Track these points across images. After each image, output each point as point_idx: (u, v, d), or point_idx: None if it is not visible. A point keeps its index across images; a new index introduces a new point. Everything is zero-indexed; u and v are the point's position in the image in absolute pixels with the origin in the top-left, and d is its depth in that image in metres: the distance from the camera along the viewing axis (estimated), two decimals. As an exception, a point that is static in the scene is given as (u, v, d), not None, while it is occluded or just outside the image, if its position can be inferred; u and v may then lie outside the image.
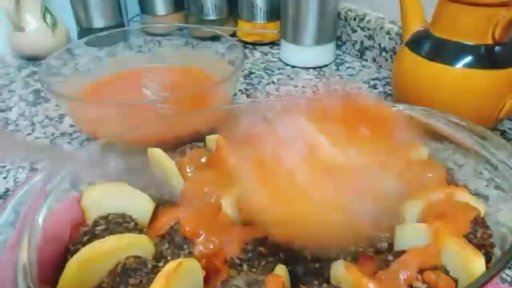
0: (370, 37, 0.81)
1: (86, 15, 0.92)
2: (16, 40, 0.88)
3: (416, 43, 0.58)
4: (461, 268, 0.33)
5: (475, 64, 0.53)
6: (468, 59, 0.53)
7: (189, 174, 0.46)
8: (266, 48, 0.92)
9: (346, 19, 0.84)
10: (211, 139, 0.51)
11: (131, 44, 0.79)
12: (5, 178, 0.56)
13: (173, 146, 0.51)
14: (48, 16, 0.88)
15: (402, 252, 0.36)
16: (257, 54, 0.90)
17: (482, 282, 0.29)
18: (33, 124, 0.68)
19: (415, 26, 0.60)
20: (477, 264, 0.33)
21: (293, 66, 0.83)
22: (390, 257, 0.36)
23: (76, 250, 0.36)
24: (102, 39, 0.76)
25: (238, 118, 0.57)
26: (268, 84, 0.78)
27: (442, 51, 0.55)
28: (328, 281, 0.36)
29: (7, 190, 0.54)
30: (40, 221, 0.38)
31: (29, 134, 0.65)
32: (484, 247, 0.36)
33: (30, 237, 0.35)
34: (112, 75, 0.72)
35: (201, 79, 0.70)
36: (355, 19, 0.83)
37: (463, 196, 0.40)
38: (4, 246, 0.35)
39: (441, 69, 0.54)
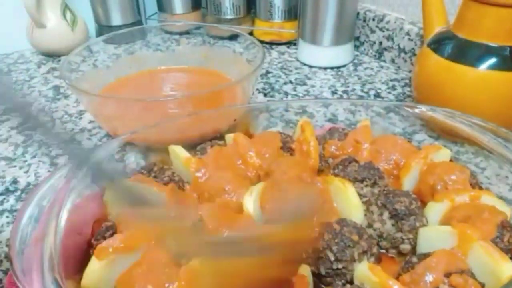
0: (389, 38, 0.80)
1: (105, 12, 0.93)
2: (36, 36, 0.89)
3: (439, 44, 0.58)
4: (488, 273, 0.33)
5: (499, 66, 0.52)
6: (492, 60, 0.52)
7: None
8: (283, 48, 0.92)
9: (364, 19, 0.84)
10: (231, 137, 0.51)
11: (149, 42, 0.80)
12: (26, 172, 0.57)
13: (194, 145, 0.52)
14: (68, 13, 0.89)
15: (427, 254, 0.36)
16: (274, 53, 0.90)
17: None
18: (52, 120, 0.69)
19: (437, 27, 0.60)
20: (505, 269, 0.32)
21: (310, 66, 0.83)
22: (414, 259, 0.35)
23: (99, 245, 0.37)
24: (120, 36, 0.76)
25: (256, 117, 0.57)
26: (285, 83, 0.77)
27: (465, 52, 0.54)
28: (351, 282, 0.36)
29: (29, 184, 0.55)
30: (64, 215, 0.38)
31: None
32: (511, 251, 0.35)
33: (55, 231, 0.36)
34: (131, 76, 0.72)
35: (219, 80, 0.70)
36: (374, 20, 0.82)
37: (489, 200, 0.39)
38: (29, 239, 0.35)
39: (464, 70, 0.53)
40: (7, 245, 0.46)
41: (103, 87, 0.68)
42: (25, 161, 0.59)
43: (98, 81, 0.68)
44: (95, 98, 0.58)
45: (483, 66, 0.53)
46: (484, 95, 0.53)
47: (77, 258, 0.38)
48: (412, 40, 0.76)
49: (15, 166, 0.58)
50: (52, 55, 0.91)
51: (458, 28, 0.56)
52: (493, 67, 0.52)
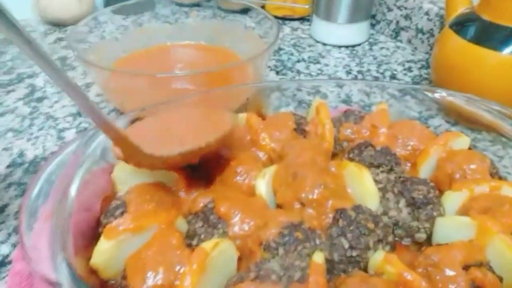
0: (407, 17, 0.77)
1: (113, -19, 0.90)
2: (43, 5, 0.86)
3: (461, 25, 0.55)
4: (507, 267, 0.32)
5: (524, 51, 0.50)
6: (517, 45, 0.50)
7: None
8: (296, 24, 0.90)
9: (382, -4, 0.81)
10: (243, 117, 0.49)
11: (157, 14, 0.77)
12: (33, 144, 0.56)
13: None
14: (75, -19, 0.86)
15: (443, 245, 0.35)
16: (287, 29, 0.87)
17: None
18: (60, 92, 0.67)
19: (460, 7, 0.57)
20: (526, 263, 0.31)
21: (324, 44, 0.81)
22: (431, 250, 0.34)
23: (108, 223, 0.36)
24: (128, 8, 0.74)
25: (268, 96, 0.56)
26: (298, 61, 0.75)
27: (489, 35, 0.52)
28: (365, 270, 0.35)
29: (36, 157, 0.54)
30: (73, 192, 0.37)
31: (56, 102, 0.65)
32: (531, 245, 0.34)
33: (64, 207, 0.35)
34: (140, 52, 0.70)
35: (230, 59, 0.68)
36: (392, -3, 0.79)
37: (509, 191, 0.38)
38: (39, 215, 0.35)
39: (487, 54, 0.51)
40: (15, 218, 0.46)
41: (112, 61, 0.66)
42: (32, 133, 0.58)
43: (106, 53, 0.66)
44: (105, 72, 0.56)
45: (507, 50, 0.51)
46: (506, 80, 0.51)
47: (85, 235, 0.38)
48: (431, 20, 0.73)
49: (22, 138, 0.57)
50: (58, 25, 0.89)
51: (483, 10, 0.53)
52: (517, 52, 0.50)
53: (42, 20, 0.91)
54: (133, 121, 0.48)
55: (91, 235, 0.38)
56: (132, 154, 0.37)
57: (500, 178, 0.42)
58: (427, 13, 0.74)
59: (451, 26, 0.57)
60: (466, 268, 0.32)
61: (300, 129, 0.47)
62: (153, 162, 0.38)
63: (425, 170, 0.44)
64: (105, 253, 0.33)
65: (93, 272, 0.34)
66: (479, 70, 0.52)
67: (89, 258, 0.34)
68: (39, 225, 0.34)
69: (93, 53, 0.63)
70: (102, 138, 0.44)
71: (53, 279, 0.30)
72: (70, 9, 0.87)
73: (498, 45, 0.51)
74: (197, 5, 0.82)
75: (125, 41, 0.71)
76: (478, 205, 0.37)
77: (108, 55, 0.67)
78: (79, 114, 0.62)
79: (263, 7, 0.93)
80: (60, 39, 0.84)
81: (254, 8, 0.69)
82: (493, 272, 0.32)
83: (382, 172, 0.42)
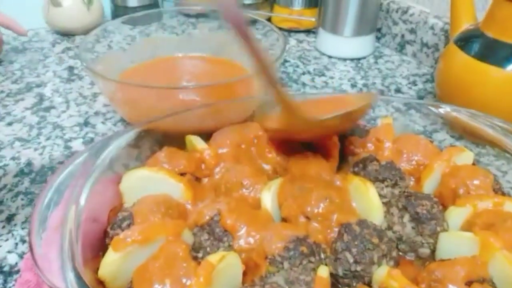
0: (412, 31, 0.78)
1: (121, -8, 0.91)
2: (52, 15, 0.88)
3: (466, 41, 0.56)
4: (509, 283, 0.32)
5: (528, 68, 0.51)
6: (521, 62, 0.51)
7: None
8: (302, 36, 0.90)
9: (388, 10, 0.82)
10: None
11: (164, 25, 0.78)
12: (41, 154, 0.57)
13: (210, 135, 0.51)
14: (84, -8, 0.88)
15: (447, 261, 0.35)
16: (292, 41, 0.88)
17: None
18: (67, 101, 0.68)
19: (465, 23, 0.58)
20: (529, 280, 0.32)
21: (329, 56, 0.81)
22: (434, 266, 0.35)
23: (115, 235, 0.37)
24: (136, 18, 0.75)
25: (274, 109, 0.56)
26: (303, 73, 0.76)
27: (493, 52, 0.52)
28: (369, 284, 0.35)
29: (43, 166, 0.55)
30: (83, 201, 0.38)
31: (63, 112, 0.66)
32: (534, 262, 0.34)
33: (74, 218, 0.36)
34: (147, 63, 0.71)
35: (236, 71, 0.69)
36: (397, 11, 0.80)
37: (512, 207, 0.39)
38: (48, 225, 0.35)
39: (491, 70, 0.52)
40: (22, 228, 0.46)
41: (119, 72, 0.67)
42: (39, 142, 0.59)
43: (113, 64, 0.67)
44: (112, 83, 0.57)
45: (511, 67, 0.51)
46: (510, 96, 0.52)
47: (93, 246, 0.38)
48: (436, 34, 0.74)
49: (29, 148, 0.58)
50: (67, 34, 0.90)
51: (487, 27, 0.54)
52: (521, 69, 0.51)
53: (51, 30, 0.92)
54: (141, 134, 0.48)
55: (98, 246, 0.39)
56: (290, 115, 0.41)
57: (503, 193, 0.43)
58: (432, 28, 0.74)
59: (455, 42, 0.57)
60: (468, 284, 0.32)
61: (306, 143, 0.47)
62: (308, 126, 0.42)
63: (429, 185, 0.44)
64: (112, 264, 0.34)
65: (100, 283, 0.35)
66: (483, 86, 0.53)
67: (95, 269, 0.35)
68: (49, 235, 0.35)
69: (101, 63, 0.64)
70: (111, 149, 0.44)
71: (64, 289, 0.30)
72: (79, 19, 0.88)
73: (502, 62, 0.52)
74: (204, 16, 0.83)
75: (132, 51, 0.72)
76: (481, 221, 0.38)
77: (116, 66, 0.67)
78: (85, 124, 0.63)
79: (269, 19, 0.94)
80: (69, 49, 0.85)
81: (260, 21, 0.70)
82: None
83: (386, 186, 0.42)
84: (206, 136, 0.50)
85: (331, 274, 0.35)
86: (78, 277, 0.31)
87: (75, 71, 0.77)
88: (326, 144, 0.47)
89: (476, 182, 0.41)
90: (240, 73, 0.67)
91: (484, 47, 0.53)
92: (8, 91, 0.70)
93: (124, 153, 0.46)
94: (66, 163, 0.41)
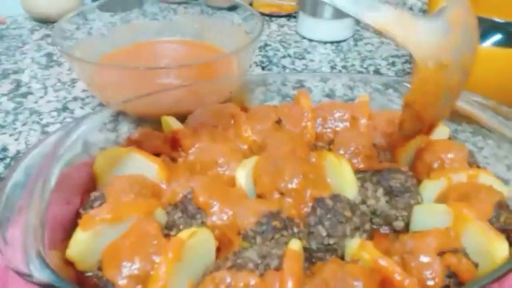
0: (392, 13, 0.78)
1: (100, -22, 0.90)
2: (31, 1, 0.86)
3: (443, 19, 0.56)
4: (482, 253, 0.32)
5: (504, 43, 0.51)
6: (498, 37, 0.51)
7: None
8: (282, 20, 0.90)
9: (368, -8, 0.81)
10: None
11: (145, 11, 0.77)
12: (16, 140, 0.56)
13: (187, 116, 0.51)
14: (61, -23, 0.86)
15: (419, 232, 0.35)
16: (274, 26, 0.88)
17: (508, 268, 0.28)
18: (45, 87, 0.67)
19: (442, 1, 0.58)
20: (500, 249, 0.32)
21: (310, 40, 0.81)
22: (407, 237, 0.35)
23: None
24: (115, 3, 0.74)
25: (252, 91, 0.56)
26: (283, 57, 0.76)
27: (470, 28, 0.52)
28: (342, 258, 0.35)
29: (18, 152, 0.54)
30: (51, 184, 0.37)
31: (41, 97, 0.65)
32: (506, 231, 0.34)
33: (41, 199, 0.35)
34: (126, 48, 0.70)
35: (216, 53, 0.68)
36: (377, -7, 0.79)
37: (486, 179, 0.39)
38: (15, 207, 0.34)
39: (468, 47, 0.52)
40: (-5, 213, 0.45)
41: (98, 57, 0.66)
42: (16, 128, 0.58)
43: (93, 50, 0.66)
44: (88, 66, 0.56)
45: (487, 43, 0.51)
46: (488, 72, 0.52)
47: (65, 228, 0.38)
48: (415, 15, 0.74)
49: (5, 133, 0.57)
50: (45, 21, 0.88)
51: (464, 3, 0.54)
52: (497, 44, 0.51)
53: (29, 17, 0.90)
54: (118, 114, 0.47)
55: (71, 228, 0.38)
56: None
57: (478, 167, 0.43)
58: (411, 8, 0.74)
59: (433, 20, 0.57)
60: (441, 254, 0.32)
61: (282, 121, 0.47)
62: None
63: (404, 160, 0.44)
64: (80, 244, 0.33)
65: (70, 264, 0.34)
66: (460, 62, 0.52)
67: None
68: (15, 218, 0.34)
69: (79, 49, 0.63)
70: (83, 130, 0.43)
71: (26, 272, 0.29)
72: (58, 6, 0.86)
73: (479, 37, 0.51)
74: (185, 2, 0.82)
75: (111, 37, 0.70)
76: (455, 193, 0.38)
77: (94, 51, 0.66)
78: (63, 109, 0.62)
79: (251, 4, 0.93)
80: (47, 35, 0.84)
81: (242, 5, 0.69)
82: (468, 258, 0.33)
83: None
84: (183, 118, 0.50)
85: (305, 249, 0.35)
86: (42, 258, 0.30)
87: (54, 57, 0.76)
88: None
89: (450, 155, 0.41)
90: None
91: (460, 23, 0.53)
92: (-17, 78, 0.69)
93: (102, 137, 0.46)
94: (35, 145, 0.40)
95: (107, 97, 0.60)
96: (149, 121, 0.50)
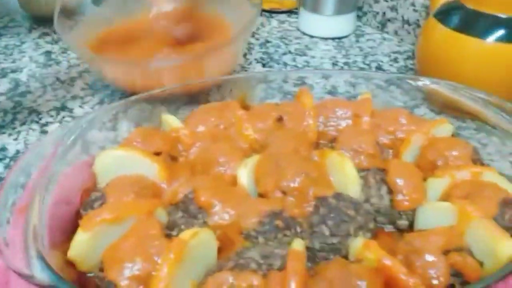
0: (393, 8, 0.77)
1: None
2: (29, 0, 0.85)
3: (446, 14, 0.55)
4: (487, 251, 0.32)
5: (508, 39, 0.50)
6: (501, 32, 0.50)
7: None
8: (283, 17, 0.89)
9: (368, -12, 0.81)
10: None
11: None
12: (15, 139, 0.55)
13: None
14: (59, -25, 0.85)
15: (424, 231, 0.35)
16: (274, 22, 0.87)
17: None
18: (44, 86, 0.67)
19: (443, -2, 0.57)
20: (505, 247, 0.31)
21: (311, 36, 0.80)
22: (411, 237, 0.34)
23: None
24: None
25: (253, 88, 0.55)
26: (284, 54, 0.75)
27: (473, 23, 0.52)
28: (346, 257, 0.35)
29: (18, 152, 0.53)
30: (51, 184, 0.37)
31: (40, 96, 0.64)
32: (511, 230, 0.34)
33: (41, 199, 0.35)
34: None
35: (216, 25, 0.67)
36: (378, -11, 0.79)
37: (491, 176, 0.38)
38: (14, 208, 0.34)
39: (471, 42, 0.51)
40: (-6, 214, 0.45)
41: (95, 35, 0.65)
42: (14, 127, 0.57)
43: (91, 30, 0.66)
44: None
45: (491, 38, 0.51)
46: (491, 68, 0.51)
47: (65, 229, 0.37)
48: (417, 11, 0.73)
49: (4, 133, 0.56)
50: (43, 19, 0.88)
51: (467, -2, 0.53)
52: (501, 40, 0.50)
53: (27, 15, 0.90)
54: (117, 113, 0.47)
55: (71, 228, 0.38)
56: None
57: (483, 164, 0.42)
58: (413, 4, 0.73)
59: (435, 16, 0.56)
60: (446, 253, 0.32)
61: (283, 120, 0.47)
62: None
63: (408, 158, 0.43)
64: (82, 245, 0.33)
65: (71, 265, 0.34)
66: (463, 58, 0.52)
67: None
68: (15, 219, 0.34)
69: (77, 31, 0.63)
70: (82, 129, 0.43)
71: (27, 273, 0.29)
72: (55, 4, 0.86)
73: (482, 33, 0.51)
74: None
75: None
76: (459, 191, 0.37)
77: (93, 33, 0.65)
78: (62, 108, 0.62)
79: (250, 0, 0.92)
80: (46, 34, 0.83)
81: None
82: (473, 257, 0.32)
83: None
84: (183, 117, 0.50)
85: (308, 248, 0.35)
86: (42, 259, 0.30)
87: (53, 56, 0.76)
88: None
89: (454, 153, 0.41)
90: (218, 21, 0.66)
91: (464, 19, 0.53)
92: (-19, 78, 0.69)
93: (101, 136, 0.46)
94: (35, 145, 0.40)
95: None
96: (149, 119, 0.50)
